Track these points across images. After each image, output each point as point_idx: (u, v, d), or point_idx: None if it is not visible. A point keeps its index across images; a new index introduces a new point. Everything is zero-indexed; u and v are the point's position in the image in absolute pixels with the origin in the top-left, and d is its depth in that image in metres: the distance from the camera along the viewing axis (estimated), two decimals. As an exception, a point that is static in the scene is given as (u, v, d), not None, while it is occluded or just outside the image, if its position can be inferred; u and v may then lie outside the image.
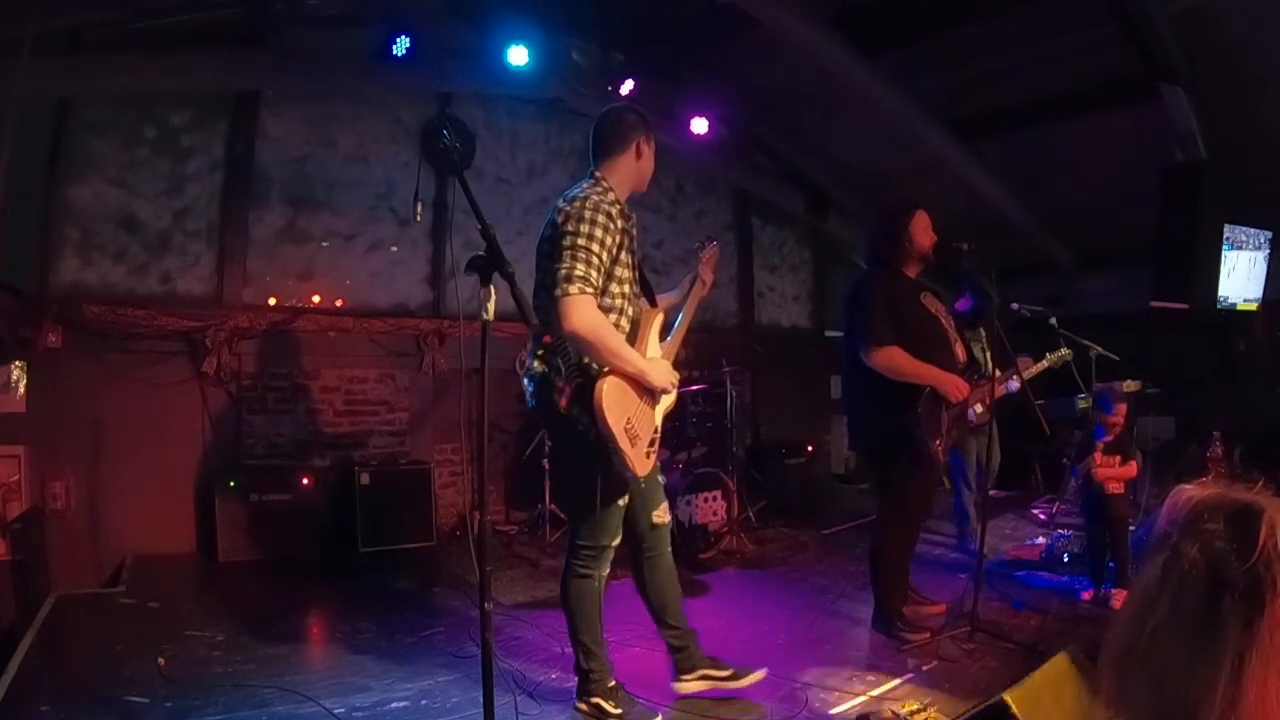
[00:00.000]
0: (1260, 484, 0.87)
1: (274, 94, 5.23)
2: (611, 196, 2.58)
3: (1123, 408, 3.91)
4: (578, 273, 2.39)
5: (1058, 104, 5.50)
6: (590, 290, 2.40)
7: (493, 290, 1.91)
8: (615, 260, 2.53)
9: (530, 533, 5.40)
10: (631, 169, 2.69)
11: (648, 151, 2.72)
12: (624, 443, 2.45)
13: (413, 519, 5.14)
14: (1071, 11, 4.73)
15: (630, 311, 2.63)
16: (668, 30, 5.66)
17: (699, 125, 6.08)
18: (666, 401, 2.74)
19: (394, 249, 5.74)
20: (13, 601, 3.47)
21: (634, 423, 2.52)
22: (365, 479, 5.03)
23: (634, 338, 2.65)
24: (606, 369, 2.46)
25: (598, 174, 2.66)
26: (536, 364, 2.55)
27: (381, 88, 5.49)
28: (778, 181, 7.46)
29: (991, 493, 4.44)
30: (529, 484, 5.49)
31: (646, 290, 2.80)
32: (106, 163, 4.73)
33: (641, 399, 2.58)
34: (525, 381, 2.63)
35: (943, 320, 3.49)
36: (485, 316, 1.90)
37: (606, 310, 2.51)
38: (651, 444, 2.64)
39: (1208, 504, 0.83)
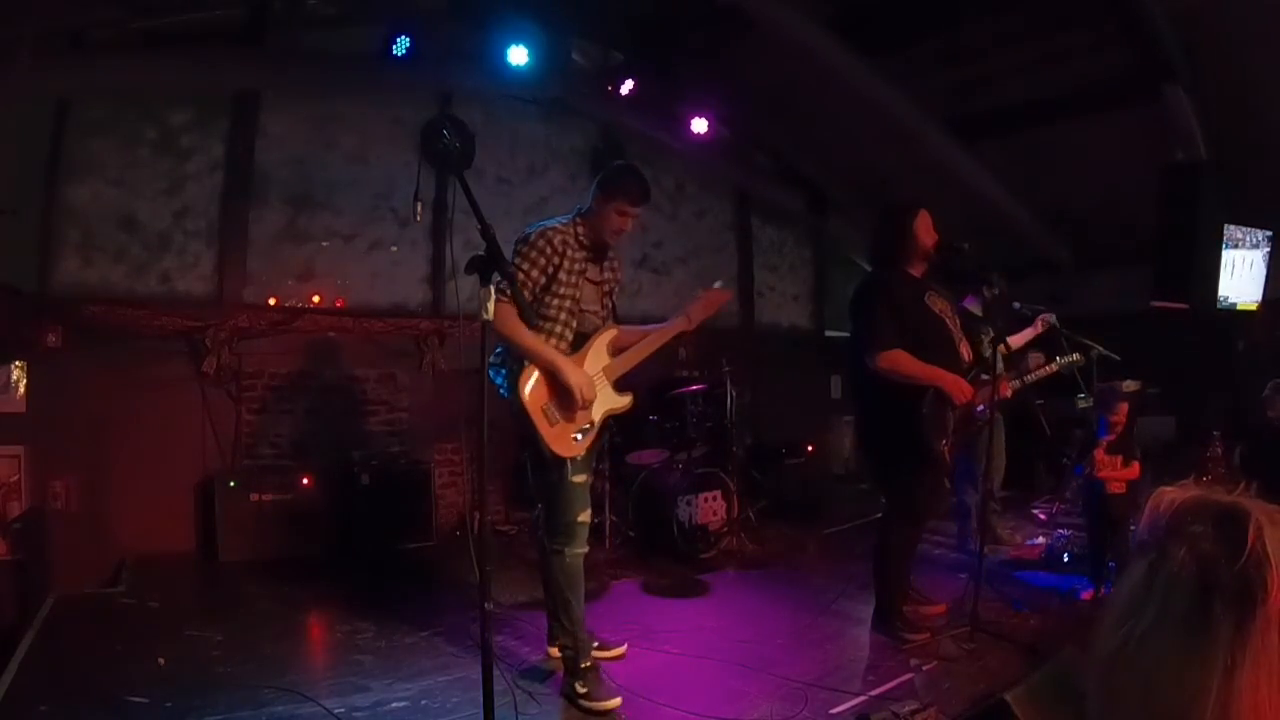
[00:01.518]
0: (1242, 486, 0.86)
1: (274, 94, 5.23)
2: (572, 230, 2.98)
3: (1124, 407, 3.92)
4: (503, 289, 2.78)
5: (1058, 104, 5.49)
6: (505, 299, 2.63)
7: (492, 290, 1.92)
8: (553, 279, 2.92)
9: (530, 533, 5.39)
10: (592, 216, 3.03)
11: (603, 208, 2.98)
12: (538, 419, 2.83)
13: (413, 519, 5.14)
14: (1071, 11, 4.73)
15: (574, 324, 2.99)
16: (668, 30, 5.66)
17: (699, 125, 6.08)
18: (616, 403, 3.05)
19: (394, 249, 5.74)
20: (13, 601, 3.47)
21: (553, 408, 2.86)
22: (365, 479, 5.03)
23: (580, 343, 3.00)
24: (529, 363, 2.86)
25: (578, 214, 3.05)
26: (495, 357, 2.95)
27: (381, 88, 5.49)
28: (778, 181, 7.46)
29: (986, 491, 4.44)
30: (529, 484, 5.48)
31: (605, 310, 3.16)
32: (106, 163, 4.73)
33: (567, 393, 2.86)
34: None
35: (947, 320, 3.48)
36: (485, 316, 1.90)
37: (545, 320, 2.92)
38: (584, 432, 2.92)
39: (1192, 506, 0.82)
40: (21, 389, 4.34)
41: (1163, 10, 4.49)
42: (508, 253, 2.10)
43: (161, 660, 3.08)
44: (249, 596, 4.08)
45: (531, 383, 2.85)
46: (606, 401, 3.03)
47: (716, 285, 3.31)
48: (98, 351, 4.56)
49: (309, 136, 5.39)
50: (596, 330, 3.08)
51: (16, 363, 4.30)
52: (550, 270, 2.91)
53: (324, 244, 5.47)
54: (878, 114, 5.74)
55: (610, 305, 3.20)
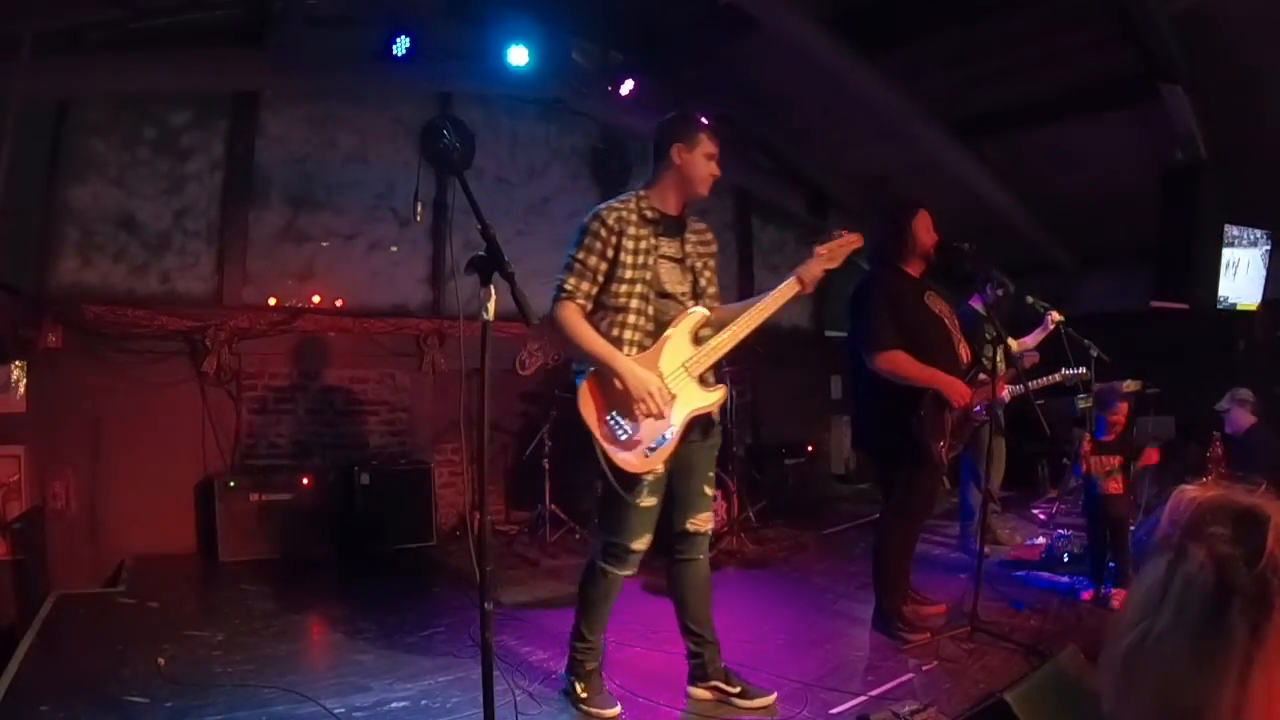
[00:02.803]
0: (1262, 487, 0.86)
1: (274, 94, 5.23)
2: (632, 205, 2.66)
3: (1123, 406, 3.92)
4: (563, 284, 2.61)
5: (1058, 104, 5.49)
6: (564, 296, 2.59)
7: (493, 290, 1.91)
8: (615, 263, 2.59)
9: (530, 533, 5.40)
10: (673, 177, 2.70)
11: (689, 157, 2.67)
12: (600, 433, 2.54)
13: (413, 519, 5.14)
14: (1071, 11, 4.73)
15: (651, 311, 2.65)
16: (668, 30, 5.66)
17: (699, 125, 6.07)
18: (701, 402, 2.64)
19: (394, 249, 5.74)
20: (13, 601, 3.47)
21: (621, 418, 2.55)
22: (365, 479, 5.02)
23: (655, 337, 2.64)
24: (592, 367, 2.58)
25: (641, 187, 2.76)
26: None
27: (381, 88, 5.49)
28: (778, 181, 7.46)
29: (986, 490, 4.44)
30: (529, 484, 5.49)
31: (698, 288, 2.78)
32: (106, 163, 4.73)
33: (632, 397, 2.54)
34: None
35: (946, 320, 3.48)
36: (485, 316, 1.90)
37: (612, 309, 2.61)
38: (660, 443, 2.56)
39: (1211, 506, 0.83)
40: (21, 389, 4.34)
41: (1163, 10, 4.49)
42: (508, 252, 1.97)
43: (161, 660, 3.07)
44: (249, 596, 4.08)
45: (594, 386, 2.55)
46: (690, 400, 2.61)
47: (835, 231, 2.86)
48: (98, 351, 4.56)
49: (309, 136, 5.39)
50: (679, 314, 2.68)
51: (16, 363, 4.30)
52: (609, 254, 2.59)
53: (324, 244, 5.47)
54: (878, 114, 5.74)
55: (702, 282, 2.79)
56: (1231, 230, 5.65)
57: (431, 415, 5.67)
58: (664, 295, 2.69)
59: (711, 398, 2.68)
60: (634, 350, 2.60)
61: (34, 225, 4.50)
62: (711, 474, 2.83)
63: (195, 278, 5.04)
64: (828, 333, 8.25)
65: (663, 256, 2.69)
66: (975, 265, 3.45)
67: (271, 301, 5.25)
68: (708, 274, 2.83)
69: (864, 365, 3.33)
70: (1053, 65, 5.24)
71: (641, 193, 2.72)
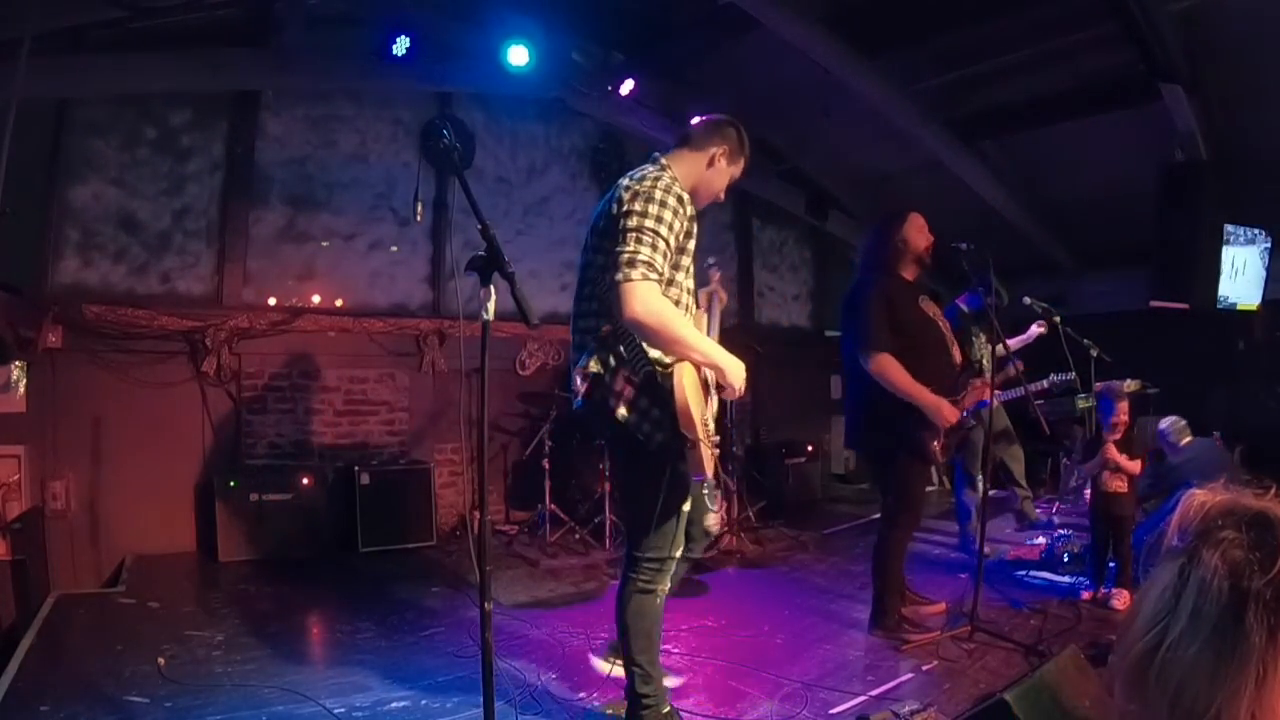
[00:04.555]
0: (1272, 491, 0.86)
1: (274, 94, 5.23)
2: (680, 184, 2.34)
3: (1124, 405, 3.92)
4: (641, 257, 2.17)
5: (1058, 104, 5.49)
6: (655, 276, 2.17)
7: (493, 290, 1.91)
8: (682, 249, 2.32)
9: (530, 533, 5.40)
10: (698, 172, 2.46)
11: (723, 167, 2.49)
12: (701, 434, 2.23)
13: (413, 519, 5.14)
14: (1071, 11, 4.73)
15: (694, 308, 2.47)
16: (668, 30, 5.66)
17: (699, 125, 6.07)
18: (713, 405, 2.53)
19: (394, 249, 5.74)
20: (13, 601, 3.47)
21: (708, 418, 2.36)
22: (365, 479, 5.03)
23: None
24: (674, 359, 2.25)
25: (663, 160, 2.41)
26: (592, 363, 2.31)
27: (381, 88, 5.49)
28: (778, 181, 7.46)
29: (992, 492, 4.44)
30: (529, 484, 5.49)
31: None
32: (106, 163, 4.73)
33: (706, 395, 2.40)
34: (577, 380, 2.37)
35: (940, 323, 3.51)
36: (485, 316, 1.90)
37: (673, 303, 2.28)
38: (714, 444, 2.42)
39: (1222, 510, 0.82)
40: (21, 389, 4.34)
41: (1163, 10, 4.49)
42: (508, 251, 1.87)
43: (161, 660, 3.07)
44: (249, 596, 4.08)
45: (691, 386, 2.22)
46: (713, 405, 2.51)
47: (709, 263, 2.90)
48: (98, 352, 4.56)
49: (309, 136, 5.39)
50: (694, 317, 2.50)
51: (16, 363, 4.30)
52: (681, 238, 2.29)
53: (324, 244, 5.47)
54: (877, 114, 5.74)
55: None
56: (1231, 230, 5.65)
57: (431, 415, 5.68)
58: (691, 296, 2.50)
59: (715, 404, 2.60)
60: None
61: (34, 225, 4.49)
62: None
63: (195, 278, 5.04)
64: (828, 333, 8.26)
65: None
66: (972, 265, 3.45)
67: (271, 301, 5.25)
68: None
69: (858, 367, 3.34)
70: (1052, 65, 5.24)
71: (672, 172, 2.37)
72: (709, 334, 2.79)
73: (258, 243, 5.23)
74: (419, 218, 5.66)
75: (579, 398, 2.37)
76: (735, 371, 2.30)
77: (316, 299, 5.43)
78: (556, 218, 6.37)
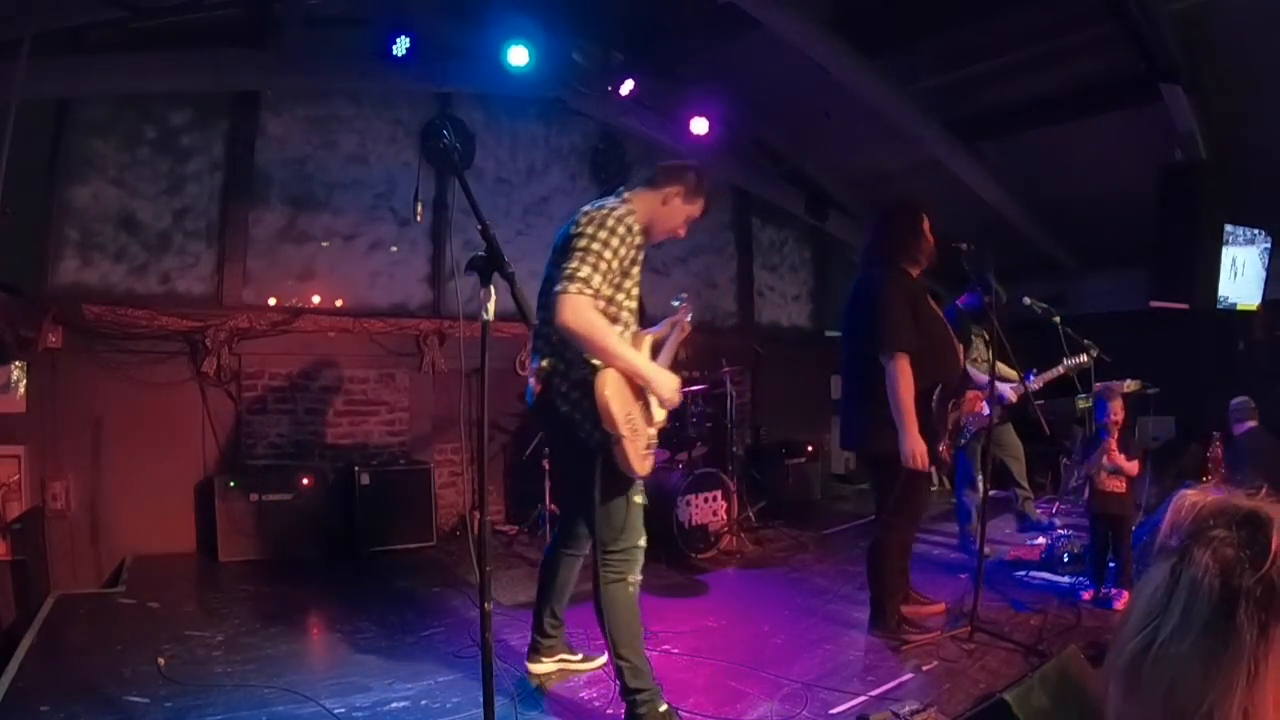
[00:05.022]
0: (1263, 490, 0.86)
1: (274, 94, 5.23)
2: (635, 216, 2.60)
3: (1117, 405, 3.93)
4: (581, 274, 2.43)
5: (1058, 104, 5.50)
6: (589, 292, 2.42)
7: (493, 290, 1.91)
8: (626, 274, 2.57)
9: (530, 533, 5.40)
10: (654, 208, 2.73)
11: (678, 205, 2.75)
12: (625, 431, 2.47)
13: (413, 519, 5.14)
14: (1071, 11, 4.73)
15: (634, 326, 2.69)
16: (668, 30, 5.66)
17: (699, 125, 6.08)
18: (660, 415, 2.76)
19: (394, 249, 5.74)
20: (13, 601, 3.47)
21: (635, 420, 2.56)
22: (365, 479, 5.03)
23: None
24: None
25: (627, 194, 2.72)
26: (544, 363, 2.59)
27: (381, 88, 5.49)
28: (778, 181, 7.47)
29: (992, 493, 4.45)
30: (529, 484, 5.49)
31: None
32: (106, 163, 4.73)
33: (638, 399, 2.60)
34: (532, 380, 2.66)
35: (945, 323, 3.51)
36: (485, 316, 1.90)
37: (612, 320, 2.54)
38: (649, 447, 2.66)
39: (1213, 510, 0.83)
40: (21, 389, 4.34)
41: (1163, 10, 4.49)
42: (508, 252, 1.98)
43: (161, 660, 3.07)
44: (249, 596, 4.08)
45: (616, 388, 2.48)
46: (660, 414, 2.75)
47: (681, 299, 3.15)
48: (98, 352, 4.56)
49: (309, 136, 5.39)
50: (636, 338, 2.75)
51: (16, 363, 4.30)
52: (627, 265, 2.55)
53: (324, 244, 5.48)
54: (878, 114, 5.74)
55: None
56: (1232, 230, 5.66)
57: (431, 415, 5.68)
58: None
59: (663, 413, 2.79)
60: None
61: (34, 225, 4.50)
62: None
63: (195, 278, 5.05)
64: (828, 333, 8.26)
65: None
66: (973, 266, 3.45)
67: (271, 301, 5.25)
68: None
69: (864, 363, 3.31)
70: (1053, 65, 5.24)
71: (632, 205, 2.66)
72: (660, 355, 3.02)
73: (258, 243, 5.23)
74: (419, 218, 5.66)
75: (530, 396, 2.67)
76: (660, 381, 2.57)
77: (316, 299, 5.43)
78: (556, 218, 6.35)
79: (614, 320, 2.55)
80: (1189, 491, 0.87)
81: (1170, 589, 0.81)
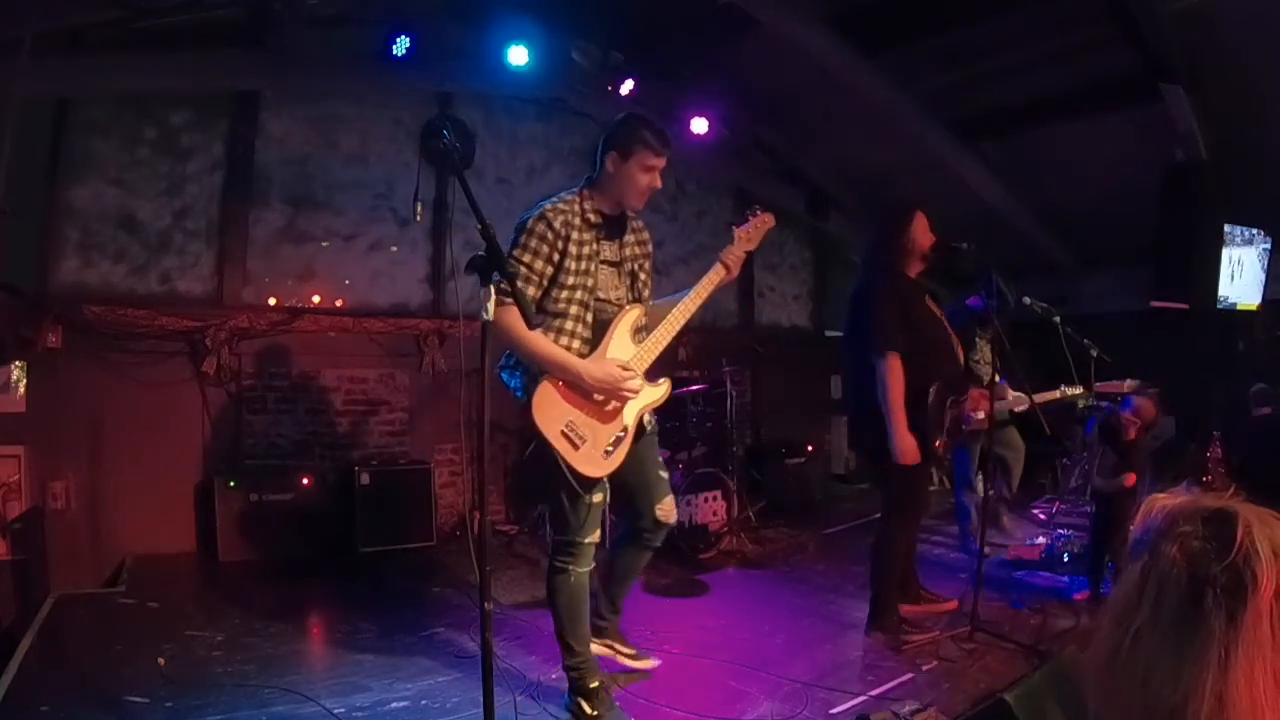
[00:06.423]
0: (1231, 491, 0.89)
1: (274, 94, 5.22)
2: (577, 207, 2.65)
3: (1143, 403, 4.00)
4: (502, 286, 2.47)
5: (1058, 104, 5.49)
6: (509, 302, 2.28)
7: (493, 290, 1.92)
8: (560, 269, 2.60)
9: (530, 533, 5.40)
10: (607, 183, 2.71)
11: (623, 168, 2.67)
12: (560, 445, 2.53)
13: (413, 519, 5.13)
14: (1071, 11, 4.73)
15: (589, 318, 2.68)
16: (668, 30, 5.66)
17: (699, 125, 6.08)
18: (650, 398, 2.74)
19: (394, 249, 5.74)
20: (13, 601, 3.47)
21: (577, 425, 2.57)
22: (365, 479, 5.02)
23: (599, 338, 2.68)
24: (543, 373, 2.56)
25: (584, 185, 2.74)
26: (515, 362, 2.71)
27: (381, 88, 5.48)
28: (778, 181, 7.46)
29: (990, 492, 4.45)
30: (529, 484, 5.49)
31: (635, 290, 2.84)
32: (106, 163, 4.73)
33: (590, 400, 2.60)
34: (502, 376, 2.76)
35: (944, 322, 3.51)
36: (485, 316, 1.90)
37: (551, 314, 2.60)
38: (616, 443, 2.65)
39: (1182, 511, 0.86)
40: (21, 389, 4.34)
41: (1163, 10, 4.49)
42: (507, 249, 2.07)
43: (161, 660, 3.07)
44: (249, 596, 4.08)
45: (545, 400, 2.52)
46: (639, 398, 2.69)
47: (750, 211, 2.95)
48: (98, 352, 4.56)
49: (309, 136, 5.39)
50: (618, 314, 2.71)
51: (16, 363, 4.30)
52: (555, 258, 2.57)
53: (324, 244, 5.47)
54: (878, 114, 5.75)
55: (639, 285, 2.85)
56: (1231, 230, 5.66)
57: (431, 415, 5.68)
58: (601, 300, 2.72)
59: (658, 392, 2.77)
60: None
61: (34, 225, 4.49)
62: (660, 458, 2.96)
63: (195, 278, 5.04)
64: (828, 333, 8.26)
65: (602, 262, 2.72)
66: (973, 266, 3.46)
67: (271, 301, 5.25)
68: (644, 275, 2.88)
69: (862, 366, 3.33)
70: (1053, 65, 5.24)
71: (585, 192, 2.70)
72: (677, 309, 2.82)
73: (258, 243, 5.22)
74: (419, 218, 5.66)
75: (520, 391, 2.69)
76: (589, 372, 2.54)
77: (316, 299, 5.43)
78: (556, 218, 6.37)
79: (559, 316, 2.60)
80: (1159, 496, 0.90)
81: (1141, 585, 0.84)
